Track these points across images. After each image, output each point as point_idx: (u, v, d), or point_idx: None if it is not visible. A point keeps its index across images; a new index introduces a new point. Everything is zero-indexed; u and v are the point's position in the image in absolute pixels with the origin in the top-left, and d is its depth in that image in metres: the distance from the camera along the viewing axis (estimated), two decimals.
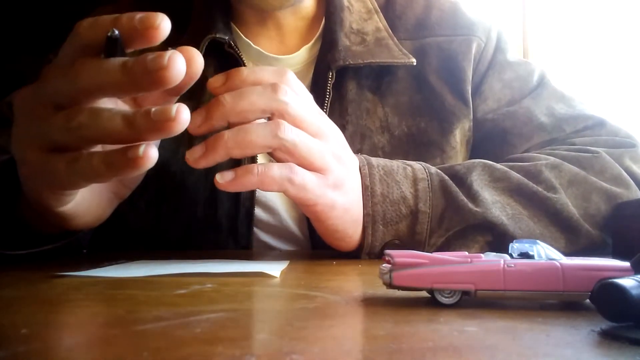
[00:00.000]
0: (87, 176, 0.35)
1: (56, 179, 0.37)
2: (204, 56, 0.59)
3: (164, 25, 0.33)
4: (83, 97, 0.34)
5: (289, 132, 0.40)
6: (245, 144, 0.39)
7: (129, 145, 0.33)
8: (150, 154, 0.32)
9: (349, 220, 0.45)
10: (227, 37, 0.59)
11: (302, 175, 0.40)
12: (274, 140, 0.39)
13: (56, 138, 0.35)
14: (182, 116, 0.32)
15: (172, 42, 0.64)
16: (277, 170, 0.40)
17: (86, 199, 0.42)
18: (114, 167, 0.33)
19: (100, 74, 0.33)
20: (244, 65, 0.59)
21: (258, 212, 0.58)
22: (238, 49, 0.59)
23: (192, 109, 0.65)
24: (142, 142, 0.33)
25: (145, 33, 0.33)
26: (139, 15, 0.33)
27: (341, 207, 0.44)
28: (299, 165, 0.41)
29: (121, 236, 0.59)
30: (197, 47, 0.59)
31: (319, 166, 0.42)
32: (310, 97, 0.46)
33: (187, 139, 0.59)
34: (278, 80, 0.42)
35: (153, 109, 0.32)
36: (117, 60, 0.33)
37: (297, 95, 0.42)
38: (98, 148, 0.36)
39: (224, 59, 0.60)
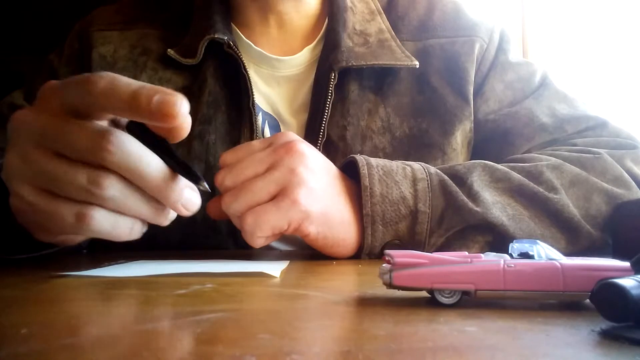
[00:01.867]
0: (101, 234, 0.36)
1: (59, 227, 0.36)
2: (204, 56, 0.60)
3: (182, 110, 0.33)
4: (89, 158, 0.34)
5: (229, 201, 0.43)
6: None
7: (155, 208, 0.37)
8: (172, 217, 0.38)
9: (334, 224, 0.45)
10: (225, 38, 0.59)
11: (253, 217, 0.42)
12: (230, 212, 0.43)
13: (67, 190, 0.35)
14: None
15: (173, 43, 0.64)
16: (242, 233, 0.43)
17: None
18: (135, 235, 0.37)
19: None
20: (243, 66, 0.59)
21: None
22: (238, 50, 0.59)
23: (192, 110, 0.65)
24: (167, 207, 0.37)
25: (162, 118, 0.33)
26: (157, 97, 0.33)
27: (318, 213, 0.44)
28: (252, 204, 0.42)
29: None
30: (197, 47, 0.59)
31: (278, 191, 0.42)
32: (247, 145, 0.47)
33: (186, 140, 0.59)
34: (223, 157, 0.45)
35: (186, 203, 0.37)
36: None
37: (233, 152, 0.46)
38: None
39: (223, 59, 0.60)
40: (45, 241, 0.41)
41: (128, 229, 0.37)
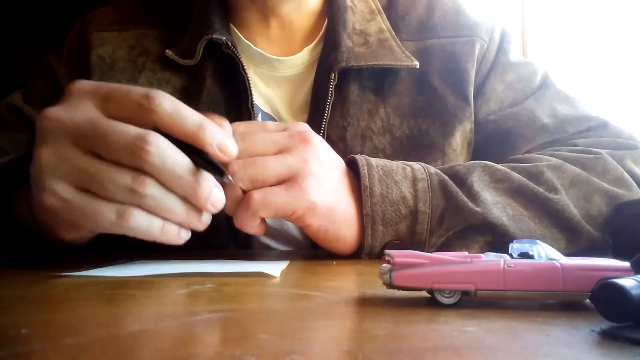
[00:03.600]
0: (137, 232, 0.37)
1: (95, 225, 0.37)
2: (202, 57, 0.60)
3: (235, 152, 0.39)
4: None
5: (236, 169, 0.42)
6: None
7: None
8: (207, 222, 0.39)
9: (337, 220, 0.45)
10: (224, 38, 0.59)
11: (261, 195, 0.41)
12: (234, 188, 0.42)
13: (109, 189, 0.35)
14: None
15: (172, 43, 0.64)
16: (242, 211, 0.42)
17: None
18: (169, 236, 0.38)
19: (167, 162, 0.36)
20: (242, 66, 0.59)
21: None
22: (236, 50, 0.59)
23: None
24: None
25: (217, 156, 0.38)
26: (218, 139, 0.37)
27: (323, 206, 0.44)
28: (261, 184, 0.41)
29: (121, 238, 0.59)
30: (195, 48, 0.59)
31: (287, 176, 0.42)
32: (262, 123, 0.48)
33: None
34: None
35: (214, 201, 0.38)
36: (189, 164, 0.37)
37: (246, 124, 0.46)
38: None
39: (222, 60, 0.60)
40: (67, 240, 0.41)
41: (159, 228, 0.38)
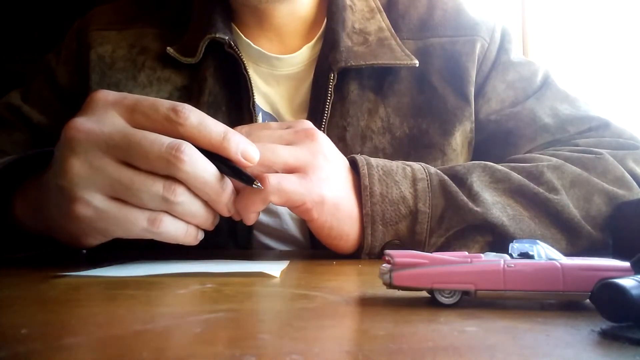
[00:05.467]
0: (166, 238, 0.39)
1: (127, 232, 0.38)
2: (203, 56, 0.59)
3: (257, 158, 0.40)
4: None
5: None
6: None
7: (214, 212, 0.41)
8: (216, 223, 0.42)
9: (342, 217, 0.45)
10: (226, 37, 0.59)
11: (277, 179, 0.41)
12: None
13: (142, 198, 0.37)
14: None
15: (172, 42, 0.64)
16: (251, 194, 0.41)
17: None
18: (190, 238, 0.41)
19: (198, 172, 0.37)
20: (243, 65, 0.59)
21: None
22: (238, 49, 0.59)
23: None
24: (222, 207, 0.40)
25: (241, 163, 0.39)
26: (242, 146, 0.39)
27: (331, 202, 0.44)
28: (266, 170, 0.41)
29: (121, 238, 0.59)
30: (197, 46, 0.59)
31: (295, 166, 0.42)
32: (265, 123, 0.49)
33: None
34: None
35: (230, 206, 0.40)
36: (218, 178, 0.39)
37: (249, 125, 0.46)
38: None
39: (223, 59, 0.60)
40: (89, 245, 0.42)
41: (183, 232, 0.40)
